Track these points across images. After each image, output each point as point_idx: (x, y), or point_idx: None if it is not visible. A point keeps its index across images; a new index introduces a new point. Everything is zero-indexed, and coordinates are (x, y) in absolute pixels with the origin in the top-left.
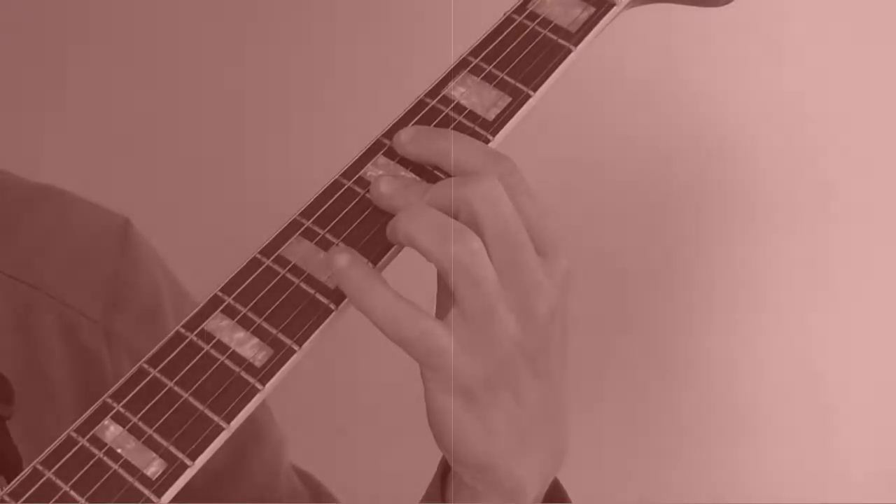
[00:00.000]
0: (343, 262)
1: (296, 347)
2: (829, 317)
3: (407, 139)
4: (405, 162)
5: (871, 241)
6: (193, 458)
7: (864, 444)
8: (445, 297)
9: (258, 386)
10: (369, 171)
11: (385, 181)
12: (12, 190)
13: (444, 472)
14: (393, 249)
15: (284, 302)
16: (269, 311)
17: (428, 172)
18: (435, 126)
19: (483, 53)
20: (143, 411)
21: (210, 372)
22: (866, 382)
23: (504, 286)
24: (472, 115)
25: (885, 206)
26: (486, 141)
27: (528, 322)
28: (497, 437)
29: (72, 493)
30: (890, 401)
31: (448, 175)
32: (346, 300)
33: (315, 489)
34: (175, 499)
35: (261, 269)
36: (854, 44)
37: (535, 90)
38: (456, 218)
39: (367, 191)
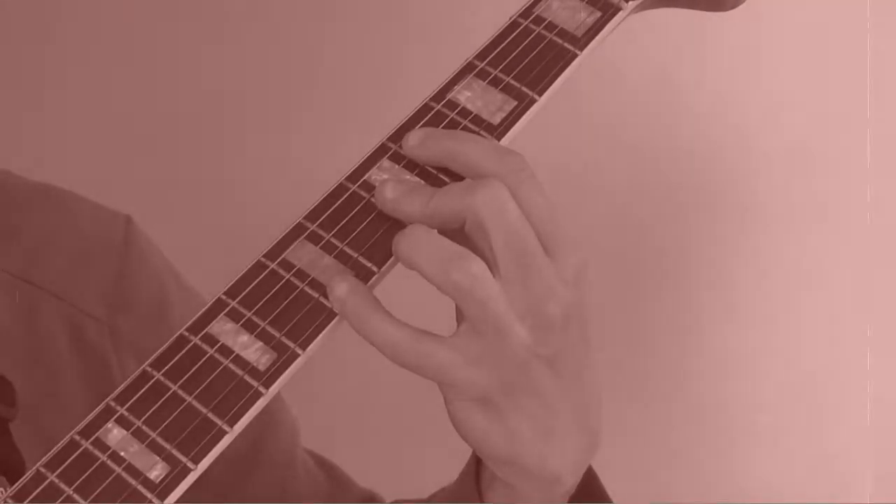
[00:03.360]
0: (342, 292)
1: (299, 351)
2: (830, 319)
3: (416, 142)
4: (410, 165)
5: (868, 243)
6: (196, 461)
7: (864, 445)
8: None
9: (262, 390)
10: (374, 175)
11: (390, 186)
12: (14, 190)
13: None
14: (392, 258)
15: (288, 306)
16: (273, 315)
17: (433, 177)
18: None
19: (489, 57)
20: (147, 414)
21: (213, 375)
22: (865, 384)
23: (514, 294)
24: (477, 119)
25: (882, 209)
26: None
27: (542, 328)
28: (521, 437)
29: (75, 496)
30: (889, 402)
31: (457, 177)
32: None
33: (330, 470)
34: (196, 489)
35: (265, 272)
36: (852, 47)
37: (540, 94)
38: (462, 226)
39: (372, 195)
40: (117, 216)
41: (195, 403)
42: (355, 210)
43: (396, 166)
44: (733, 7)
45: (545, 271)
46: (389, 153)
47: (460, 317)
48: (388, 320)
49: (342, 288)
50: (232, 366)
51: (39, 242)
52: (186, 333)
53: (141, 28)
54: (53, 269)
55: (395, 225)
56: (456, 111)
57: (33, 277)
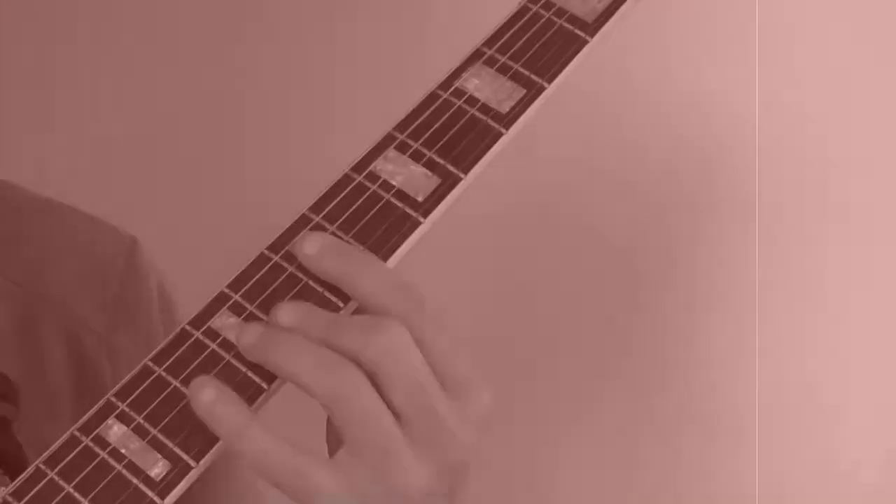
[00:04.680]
0: (208, 398)
1: None
2: (830, 319)
3: (312, 251)
4: (416, 156)
5: (870, 244)
6: (198, 459)
7: (866, 449)
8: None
9: (263, 385)
10: (379, 166)
11: (284, 311)
12: (21, 201)
13: None
14: (402, 247)
15: (293, 299)
16: None
17: (440, 167)
18: (448, 119)
19: (497, 44)
20: (148, 410)
21: (216, 371)
22: (867, 386)
23: (414, 435)
24: (485, 108)
25: (883, 208)
26: (500, 134)
27: (441, 473)
28: None
29: (74, 493)
30: (891, 405)
31: None
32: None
33: None
34: None
35: (269, 265)
36: (854, 45)
37: (550, 82)
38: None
39: (378, 185)
40: (123, 236)
41: None
42: (360, 201)
43: (402, 156)
44: None
45: (446, 416)
46: (396, 143)
47: (333, 442)
48: (263, 430)
49: (208, 394)
50: (234, 361)
51: (44, 253)
52: (188, 328)
53: (141, 29)
54: (56, 280)
55: (403, 214)
56: (464, 99)
57: (35, 285)
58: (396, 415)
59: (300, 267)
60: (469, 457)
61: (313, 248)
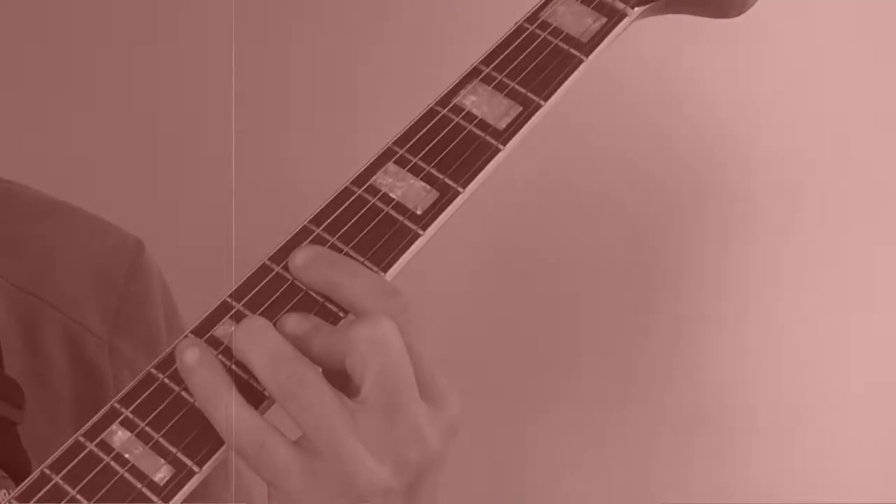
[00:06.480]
0: (190, 359)
1: None
2: (831, 318)
3: (302, 262)
4: (415, 170)
5: (870, 243)
6: (201, 464)
7: (862, 442)
8: None
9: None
10: (379, 179)
11: (292, 322)
12: (27, 201)
13: None
14: (402, 260)
15: (294, 309)
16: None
17: (439, 182)
18: (446, 134)
19: (495, 62)
20: (152, 416)
21: None
22: (865, 382)
23: (374, 426)
24: (482, 124)
25: (884, 208)
26: (497, 150)
27: (399, 470)
28: None
29: (79, 497)
30: (888, 400)
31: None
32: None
33: None
34: None
35: (270, 275)
36: (853, 46)
37: (546, 100)
38: (342, 362)
39: (378, 198)
40: (129, 238)
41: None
42: (360, 214)
43: (402, 171)
44: (738, 14)
45: (417, 414)
46: (395, 157)
47: None
48: (237, 399)
49: (192, 355)
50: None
51: (47, 255)
52: (192, 336)
53: (141, 32)
54: (59, 283)
55: (403, 227)
56: (461, 115)
57: (38, 290)
58: (361, 402)
59: None
60: (433, 459)
61: (302, 259)
